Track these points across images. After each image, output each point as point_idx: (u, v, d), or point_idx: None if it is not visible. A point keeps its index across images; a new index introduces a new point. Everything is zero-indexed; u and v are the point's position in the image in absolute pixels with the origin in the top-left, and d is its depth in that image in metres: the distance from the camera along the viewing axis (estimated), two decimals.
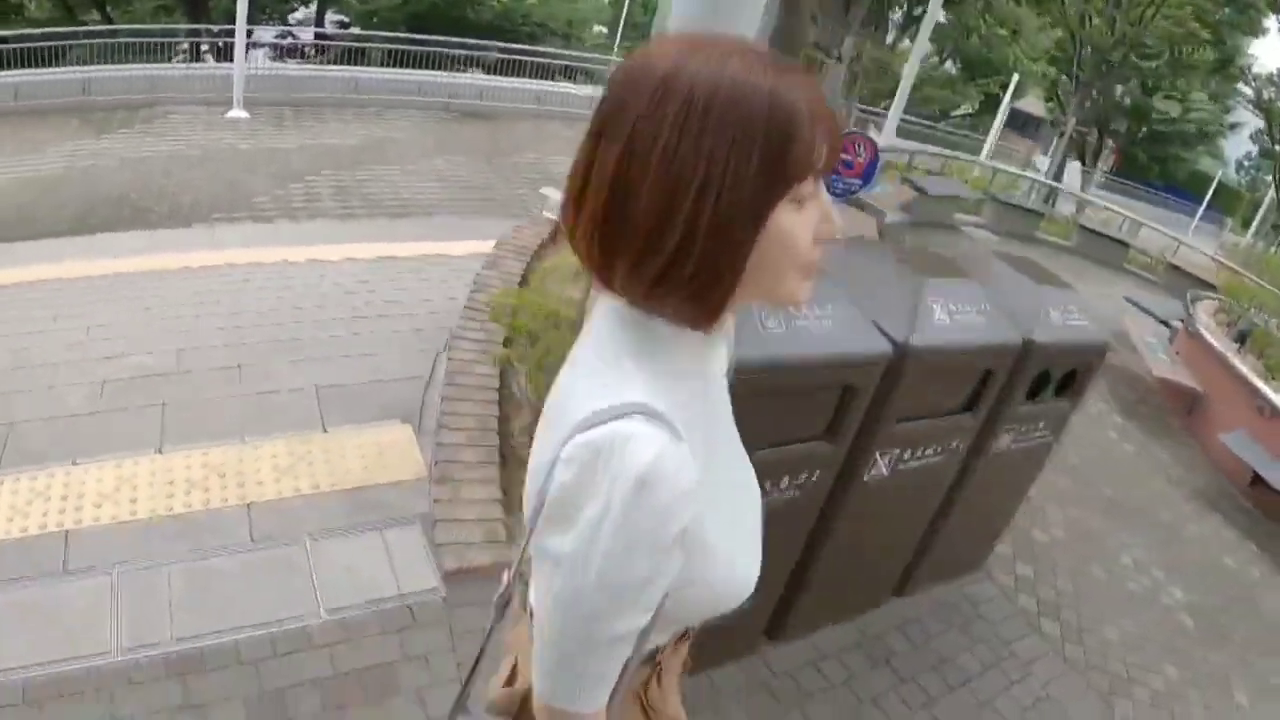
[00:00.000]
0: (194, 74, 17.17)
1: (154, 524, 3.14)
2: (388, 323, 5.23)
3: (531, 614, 1.06)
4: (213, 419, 3.80)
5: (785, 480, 2.79)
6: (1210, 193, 36.86)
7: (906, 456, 3.25)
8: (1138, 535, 5.59)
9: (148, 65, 16.83)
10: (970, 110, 35.99)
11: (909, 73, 13.90)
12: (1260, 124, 37.15)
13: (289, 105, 17.40)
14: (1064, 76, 35.78)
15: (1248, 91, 32.66)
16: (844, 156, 5.45)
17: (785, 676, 3.37)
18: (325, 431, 3.83)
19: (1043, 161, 41.40)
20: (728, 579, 1.03)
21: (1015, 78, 27.29)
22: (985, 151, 23.78)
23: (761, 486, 1.17)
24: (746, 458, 1.14)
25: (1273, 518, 6.76)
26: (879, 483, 3.20)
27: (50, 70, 15.13)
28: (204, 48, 19.52)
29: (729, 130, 0.81)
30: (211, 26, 20.06)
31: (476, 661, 1.25)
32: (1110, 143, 39.68)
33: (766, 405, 2.37)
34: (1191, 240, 16.47)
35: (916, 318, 2.93)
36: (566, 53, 22.61)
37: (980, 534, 4.34)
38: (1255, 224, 34.56)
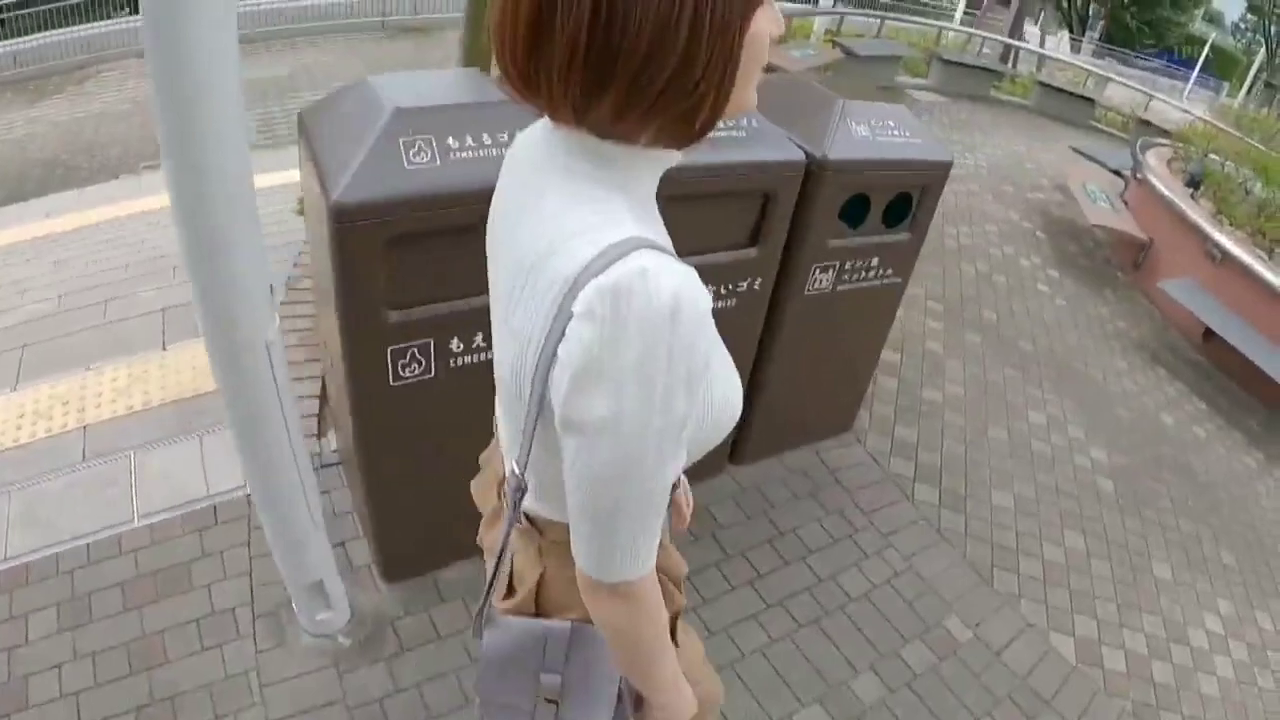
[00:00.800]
0: (122, 28, 16.54)
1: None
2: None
3: (530, 519, 1.11)
4: (65, 354, 3.77)
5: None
6: (1204, 56, 35.73)
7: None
8: (1056, 392, 4.92)
9: (75, 28, 16.28)
10: None
11: None
12: None
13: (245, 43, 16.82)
14: None
15: None
16: None
17: None
18: (164, 350, 3.80)
19: (1033, 33, 40.25)
20: (726, 399, 0.98)
21: None
22: (957, 18, 22.46)
23: None
24: None
25: (1226, 372, 6.11)
26: None
27: None
28: None
29: None
30: None
31: (495, 569, 1.17)
32: (1097, 8, 38.20)
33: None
34: (1168, 96, 15.43)
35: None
36: None
37: (832, 391, 3.65)
38: (1247, 85, 33.30)
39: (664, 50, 0.75)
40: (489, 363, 1.09)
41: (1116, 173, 9.02)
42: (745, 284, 2.90)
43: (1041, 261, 6.96)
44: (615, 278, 0.78)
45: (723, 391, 0.97)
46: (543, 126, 0.96)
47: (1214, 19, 42.36)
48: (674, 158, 0.91)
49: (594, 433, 0.83)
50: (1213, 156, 8.54)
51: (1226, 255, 6.29)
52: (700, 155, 2.18)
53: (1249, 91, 32.93)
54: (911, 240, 3.33)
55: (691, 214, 2.23)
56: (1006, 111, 12.59)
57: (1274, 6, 28.99)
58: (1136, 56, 36.88)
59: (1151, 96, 14.15)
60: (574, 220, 0.86)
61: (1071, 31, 38.47)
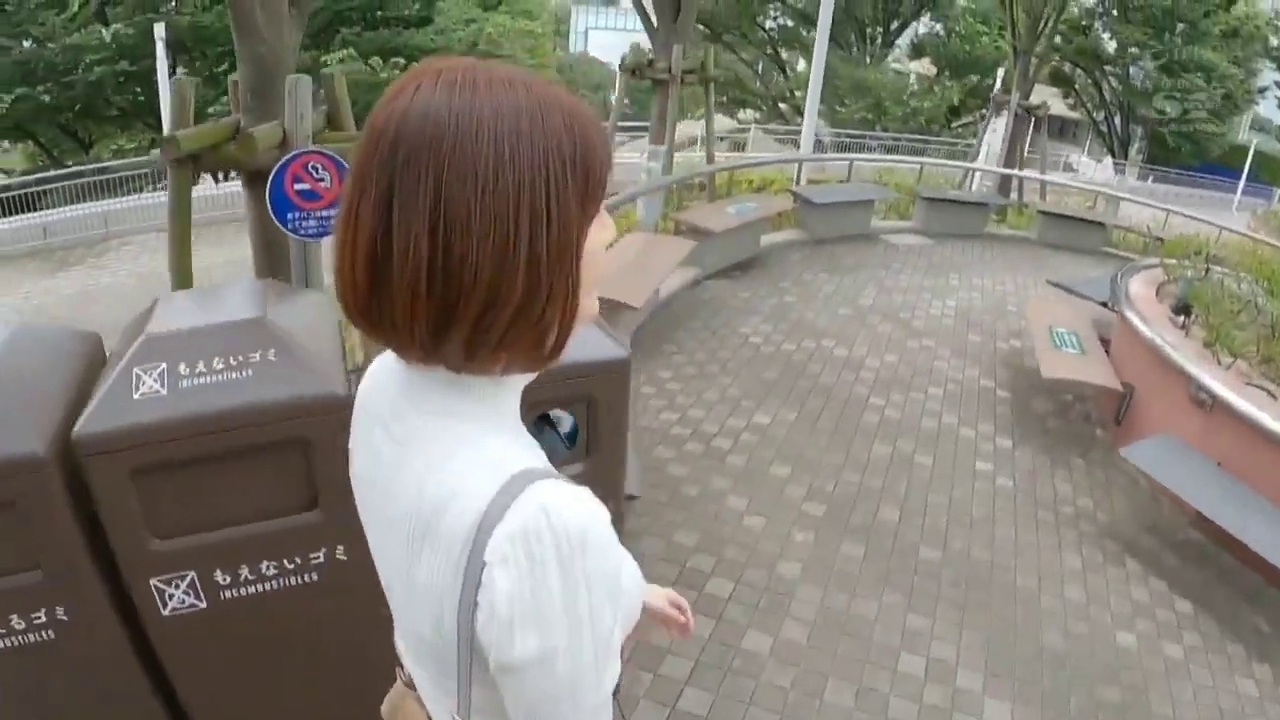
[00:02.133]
0: (146, 204, 17.87)
1: None
2: None
3: None
4: None
5: None
6: (1249, 164, 34.46)
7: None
8: (954, 621, 3.75)
9: (101, 202, 17.67)
10: (972, 119, 33.93)
11: (814, 81, 12.33)
12: None
13: (235, 221, 18.16)
14: (1071, 67, 34.40)
15: (1275, 41, 30.21)
16: (301, 186, 4.13)
17: None
18: None
19: (1088, 164, 39.52)
20: (633, 578, 1.03)
21: (1000, 71, 25.44)
22: (982, 156, 21.83)
23: None
24: None
25: (1228, 546, 4.82)
26: None
27: (8, 219, 16.27)
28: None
29: (541, 154, 0.76)
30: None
31: None
32: (1136, 129, 37.50)
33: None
34: (1200, 211, 14.29)
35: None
36: None
37: None
38: None
39: (505, 288, 0.75)
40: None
41: (1106, 305, 7.91)
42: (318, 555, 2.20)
43: (993, 429, 5.83)
44: (521, 522, 0.78)
45: (629, 574, 0.98)
46: (388, 368, 0.94)
47: (1262, 126, 41.07)
48: (530, 376, 0.90)
49: (532, 669, 0.82)
50: (1217, 271, 7.37)
51: (1216, 400, 5.10)
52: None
53: None
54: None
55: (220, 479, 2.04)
56: (1002, 247, 11.60)
57: None
58: (1180, 173, 35.80)
59: (1169, 213, 13.05)
60: (457, 466, 0.84)
61: (1114, 155, 37.69)
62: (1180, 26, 31.22)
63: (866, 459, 5.07)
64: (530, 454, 0.89)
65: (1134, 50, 31.99)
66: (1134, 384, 6.03)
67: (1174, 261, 7.79)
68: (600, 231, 0.83)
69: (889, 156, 16.81)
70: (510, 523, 0.78)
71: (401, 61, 21.49)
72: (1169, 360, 5.56)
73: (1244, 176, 34.88)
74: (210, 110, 20.90)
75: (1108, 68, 34.88)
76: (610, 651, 0.87)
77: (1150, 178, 35.80)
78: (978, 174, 15.02)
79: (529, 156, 0.75)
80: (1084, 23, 29.50)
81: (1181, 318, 6.27)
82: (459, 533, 0.81)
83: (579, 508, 0.81)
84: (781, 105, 31.90)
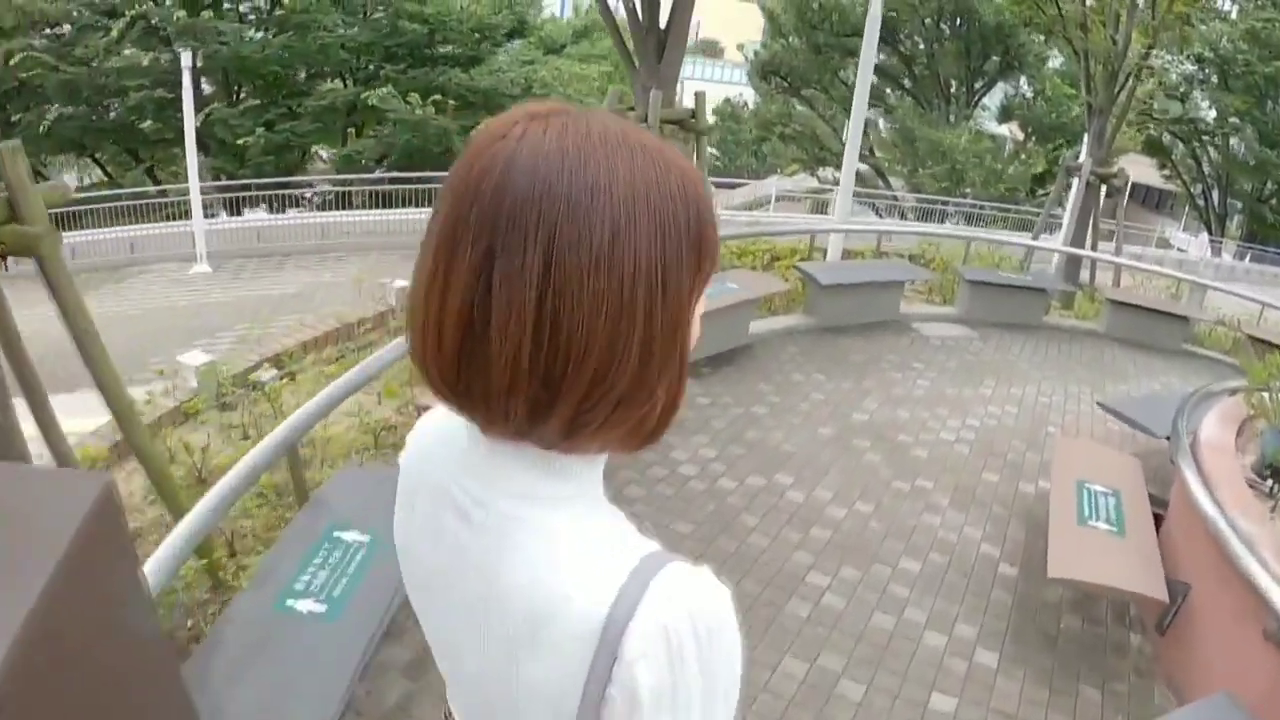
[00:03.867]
0: (165, 233, 18.64)
1: None
2: None
3: None
4: None
5: None
6: None
7: None
8: None
9: (123, 228, 18.38)
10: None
11: (852, 139, 10.84)
12: None
13: (257, 256, 18.47)
14: (1169, 136, 32.07)
15: None
16: None
17: None
18: None
19: (1184, 239, 37.02)
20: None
21: (1086, 137, 23.47)
22: (1062, 233, 19.87)
23: None
24: None
25: None
26: None
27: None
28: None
29: (659, 221, 0.70)
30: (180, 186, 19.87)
31: None
32: (1234, 203, 34.89)
33: None
34: None
35: None
36: None
37: None
38: None
39: (617, 367, 0.71)
40: None
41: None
42: None
43: (976, 633, 4.19)
44: (660, 618, 0.74)
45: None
46: (443, 437, 0.89)
47: None
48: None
49: None
50: None
51: None
52: None
53: None
54: None
55: None
56: (1060, 343, 9.82)
57: None
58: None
59: (1265, 306, 11.10)
60: (567, 562, 0.78)
61: (1210, 231, 35.09)
62: None
63: (766, 679, 3.50)
64: (634, 531, 0.83)
65: (1234, 120, 29.63)
66: (1189, 582, 4.33)
67: (1265, 395, 5.93)
68: (700, 306, 0.79)
69: (940, 230, 15.02)
70: (648, 617, 0.73)
71: (439, 99, 20.69)
72: (1239, 565, 3.86)
73: None
74: (243, 140, 20.39)
75: (1205, 137, 32.53)
76: None
77: (1248, 256, 33.25)
78: (1055, 254, 13.19)
79: (647, 224, 0.69)
80: (1182, 89, 27.29)
81: (1270, 484, 4.56)
82: (583, 633, 0.75)
83: (713, 596, 0.77)
84: (860, 166, 30.39)
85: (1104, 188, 13.12)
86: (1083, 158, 13.64)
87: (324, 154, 25.02)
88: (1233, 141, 31.25)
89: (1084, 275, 13.46)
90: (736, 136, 35.44)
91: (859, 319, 8.83)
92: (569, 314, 0.67)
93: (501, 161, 0.68)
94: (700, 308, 0.79)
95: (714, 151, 39.12)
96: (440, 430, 0.90)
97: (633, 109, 8.45)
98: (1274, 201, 32.16)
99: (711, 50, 53.46)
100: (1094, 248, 13.18)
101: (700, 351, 7.07)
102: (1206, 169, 34.19)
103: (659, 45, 8.46)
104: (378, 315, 9.34)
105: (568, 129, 0.69)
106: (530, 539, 0.78)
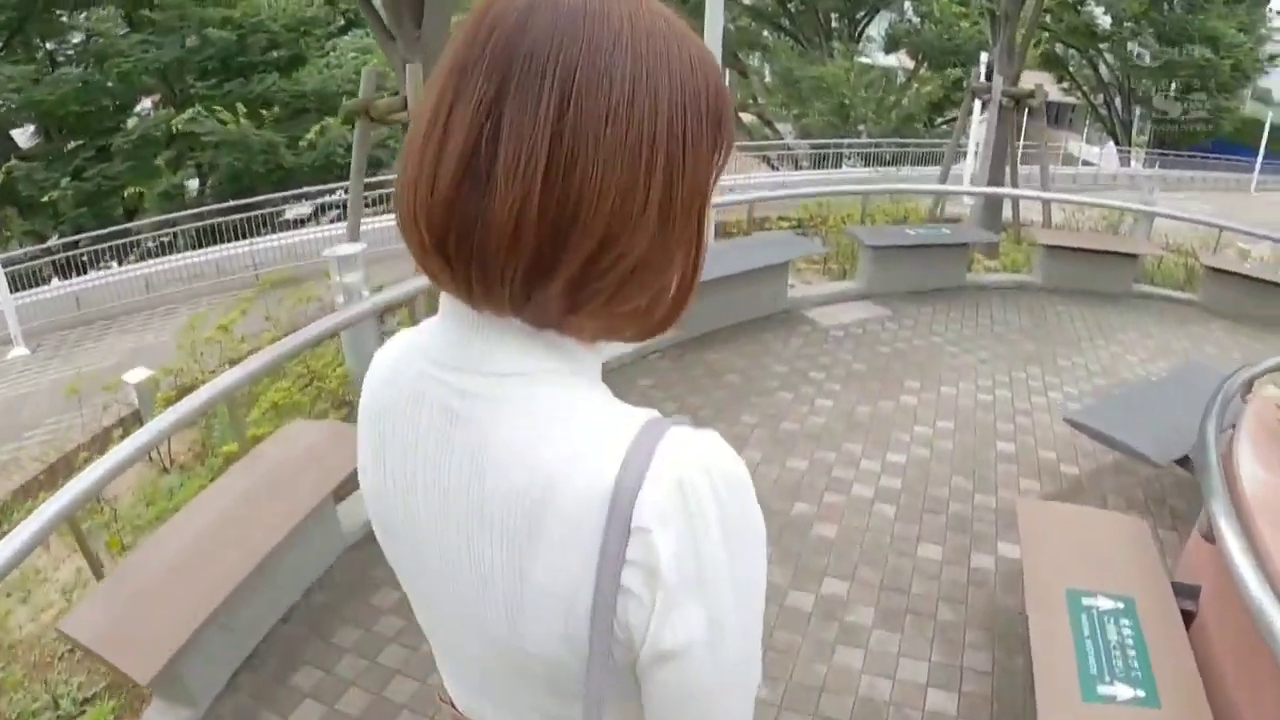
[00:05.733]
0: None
1: None
2: None
3: None
4: None
5: None
6: (1265, 138, 30.94)
7: None
8: None
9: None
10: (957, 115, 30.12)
11: None
12: None
13: (82, 324, 16.05)
14: (1063, 48, 30.73)
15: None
16: None
17: None
18: None
19: (1088, 150, 35.91)
20: None
21: (984, 56, 21.82)
22: (968, 164, 18.05)
23: None
24: None
25: None
26: None
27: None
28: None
29: (679, 86, 0.66)
30: None
31: None
32: (1143, 111, 33.85)
33: None
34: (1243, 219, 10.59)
35: None
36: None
37: None
38: None
39: (630, 230, 0.66)
40: None
41: (1185, 465, 4.38)
42: None
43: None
44: (674, 473, 0.67)
45: None
46: (413, 343, 0.81)
47: (1262, 97, 37.35)
48: (620, 346, 0.64)
49: (697, 651, 0.69)
50: None
51: None
52: None
53: None
54: None
55: None
56: (992, 307, 7.93)
57: None
58: (1192, 155, 32.16)
59: (1222, 230, 9.38)
60: (564, 436, 0.70)
61: (1117, 142, 33.99)
62: None
63: None
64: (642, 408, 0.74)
65: (1131, 25, 28.40)
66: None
67: None
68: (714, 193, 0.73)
69: (829, 187, 13.01)
70: (661, 475, 0.66)
71: (266, 111, 18.11)
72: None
73: (1261, 153, 31.35)
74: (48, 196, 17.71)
75: (1103, 45, 31.34)
76: (759, 641, 0.75)
77: (1158, 164, 32.29)
78: (971, 197, 11.26)
79: (668, 84, 0.65)
80: None
81: None
82: (589, 502, 0.67)
83: (727, 453, 0.70)
84: (743, 116, 28.38)
85: (1025, 110, 11.15)
86: (991, 79, 11.71)
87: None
88: (1130, 46, 30.07)
89: (1005, 212, 11.59)
90: None
91: (734, 318, 6.78)
92: (584, 158, 0.62)
93: (520, 5, 0.64)
94: (713, 198, 0.72)
95: None
96: (401, 348, 0.82)
97: (395, 93, 6.26)
98: (1179, 104, 31.14)
99: None
100: (1014, 183, 11.26)
101: None
102: (1106, 76, 33.06)
103: (416, 10, 6.24)
104: (104, 431, 7.02)
105: None
106: (520, 414, 0.71)
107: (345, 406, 5.12)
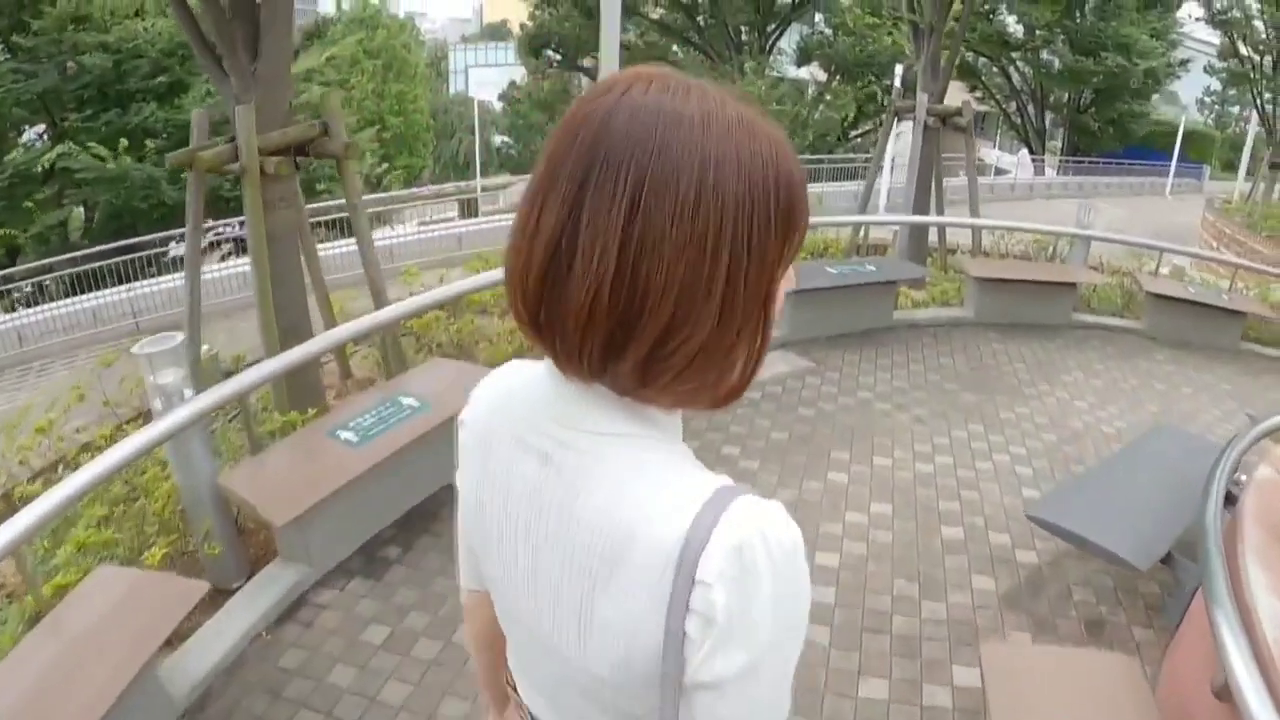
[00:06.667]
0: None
1: None
2: None
3: None
4: None
5: None
6: (1179, 143, 31.42)
7: None
8: None
9: None
10: (871, 127, 29.70)
11: None
12: (1211, 56, 31.69)
13: None
14: (974, 56, 30.70)
15: (1198, 11, 26.80)
16: None
17: None
18: None
19: (996, 155, 36.04)
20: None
21: (898, 69, 21.49)
22: (885, 185, 17.56)
23: None
24: None
25: None
26: None
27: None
28: None
29: (748, 182, 0.72)
30: None
31: None
32: (1055, 117, 34.13)
33: None
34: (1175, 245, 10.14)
35: None
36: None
37: None
38: (1244, 166, 28.37)
39: (694, 317, 0.73)
40: None
41: (1168, 563, 3.72)
42: None
43: None
44: (737, 537, 0.76)
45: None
46: (512, 388, 0.94)
47: (1171, 100, 38.17)
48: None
49: (733, 685, 0.79)
50: None
51: None
52: None
53: (1249, 174, 27.87)
54: None
55: None
56: (925, 347, 7.25)
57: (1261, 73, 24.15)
58: (1106, 162, 32.47)
59: (1162, 252, 8.86)
60: (647, 488, 0.81)
61: (1031, 150, 34.18)
62: (1092, 2, 27.73)
63: None
64: (716, 475, 0.84)
65: (1043, 33, 28.49)
66: None
67: None
68: (788, 277, 0.82)
69: None
70: (724, 539, 0.76)
71: (152, 144, 16.79)
72: None
73: (1175, 157, 31.85)
74: None
75: (1015, 54, 31.46)
76: (790, 680, 0.85)
77: (1072, 171, 32.59)
78: (895, 228, 10.57)
79: (735, 184, 0.71)
80: (986, 6, 25.69)
81: None
82: (660, 555, 0.77)
83: (787, 524, 0.79)
84: None
85: (947, 129, 10.48)
86: (908, 95, 11.08)
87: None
88: (1043, 54, 30.22)
89: (931, 237, 10.95)
90: (527, 120, 32.36)
91: None
92: (650, 254, 0.69)
93: (602, 111, 0.72)
94: (786, 282, 0.81)
95: (507, 140, 35.88)
96: (509, 384, 0.94)
97: (232, 140, 5.29)
98: (1094, 110, 31.36)
99: (499, 33, 50.07)
100: (940, 209, 10.59)
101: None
102: (1018, 84, 33.25)
103: (250, 39, 5.28)
104: None
105: (668, 88, 0.73)
106: (609, 470, 0.81)
107: (175, 534, 4.15)
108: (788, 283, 0.81)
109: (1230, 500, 3.28)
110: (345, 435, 4.21)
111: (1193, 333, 8.04)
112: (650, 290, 0.69)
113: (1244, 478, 3.96)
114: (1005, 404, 6.20)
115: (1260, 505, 3.01)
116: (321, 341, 4.74)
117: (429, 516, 4.47)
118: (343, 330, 4.92)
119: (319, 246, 8.71)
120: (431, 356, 6.43)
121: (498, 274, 6.07)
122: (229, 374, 4.36)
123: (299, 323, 5.90)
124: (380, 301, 6.18)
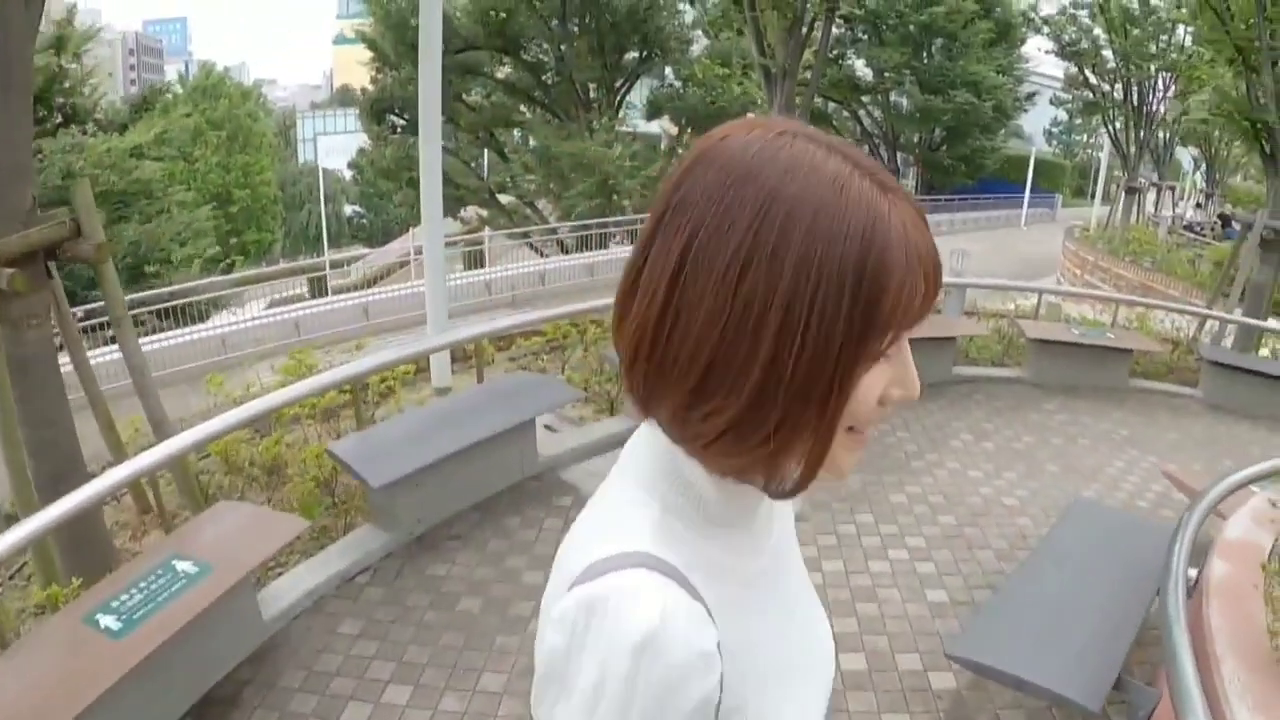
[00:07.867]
0: None
1: None
2: None
3: None
4: None
5: None
6: (1030, 174, 32.66)
7: None
8: None
9: None
10: None
11: (428, 182, 7.14)
12: (1057, 89, 33.15)
13: None
14: (823, 101, 31.12)
15: (1047, 44, 27.76)
16: None
17: None
18: None
19: None
20: None
21: (750, 118, 21.18)
22: None
23: None
24: (822, 617, 0.93)
25: None
26: None
27: None
28: None
29: (819, 254, 0.62)
30: None
31: None
32: (905, 157, 34.94)
33: None
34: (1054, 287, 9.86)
35: None
36: None
37: None
38: (1100, 192, 29.53)
39: (726, 387, 0.66)
40: None
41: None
42: None
43: None
44: (592, 591, 0.69)
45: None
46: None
47: (1017, 133, 39.86)
48: (762, 497, 0.77)
49: None
50: None
51: None
52: None
53: (1105, 198, 28.98)
54: None
55: None
56: None
57: (1111, 102, 25.04)
58: (961, 198, 33.44)
59: (1041, 294, 8.45)
60: (598, 520, 0.78)
61: None
62: (939, 42, 28.48)
63: None
64: (684, 551, 0.72)
65: (892, 75, 29.11)
66: None
67: None
68: (882, 380, 0.69)
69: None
70: (587, 587, 0.69)
71: None
72: None
73: (1028, 188, 33.01)
74: None
75: (865, 98, 32.09)
76: None
77: (929, 209, 33.37)
78: None
79: (795, 258, 0.62)
80: (835, 52, 25.99)
81: None
82: (558, 585, 0.74)
83: (658, 612, 0.66)
84: (502, 198, 26.72)
85: None
86: None
87: None
88: (893, 96, 30.90)
89: None
90: (377, 189, 31.13)
91: (470, 498, 5.00)
92: (686, 314, 0.65)
93: (695, 154, 0.68)
94: (880, 382, 0.68)
95: (359, 209, 34.60)
96: None
97: None
98: (944, 148, 32.16)
99: (349, 99, 48.92)
100: None
101: None
102: (869, 126, 33.92)
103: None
104: None
105: (769, 141, 0.65)
106: (609, 488, 0.79)
107: None
108: (893, 389, 0.70)
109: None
110: (106, 621, 3.12)
111: (1080, 376, 7.64)
112: (681, 351, 0.65)
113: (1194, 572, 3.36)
114: (894, 484, 5.50)
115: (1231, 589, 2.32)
116: (76, 498, 3.54)
117: (227, 704, 3.43)
118: (117, 473, 3.74)
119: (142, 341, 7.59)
120: (240, 478, 5.38)
121: (307, 385, 5.09)
122: None
123: (67, 467, 4.69)
124: (162, 432, 5.06)
